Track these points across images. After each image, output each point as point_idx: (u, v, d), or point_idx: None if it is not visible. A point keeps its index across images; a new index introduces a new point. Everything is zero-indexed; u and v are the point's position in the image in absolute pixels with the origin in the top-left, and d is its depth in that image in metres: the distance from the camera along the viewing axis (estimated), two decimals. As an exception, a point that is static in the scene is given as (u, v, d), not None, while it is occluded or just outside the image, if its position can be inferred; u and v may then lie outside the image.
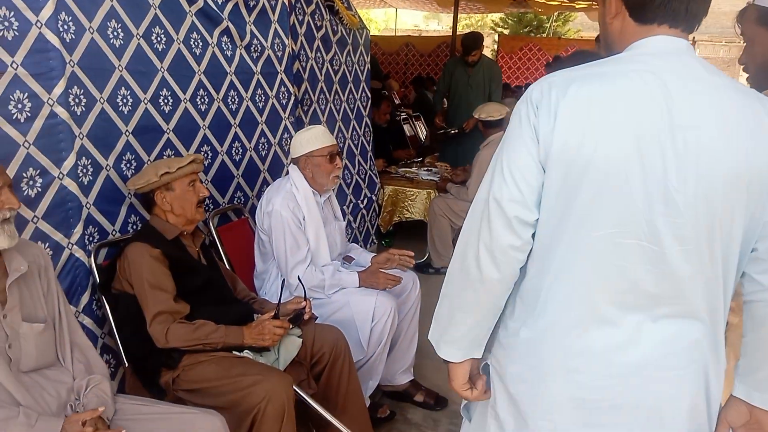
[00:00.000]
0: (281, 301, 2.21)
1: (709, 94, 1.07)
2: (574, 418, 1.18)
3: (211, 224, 2.73)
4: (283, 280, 2.42)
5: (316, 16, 3.69)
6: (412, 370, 2.89)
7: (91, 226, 2.19)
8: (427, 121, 8.64)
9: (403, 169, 5.27)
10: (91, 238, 2.20)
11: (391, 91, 9.01)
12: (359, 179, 4.45)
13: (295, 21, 3.45)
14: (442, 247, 4.58)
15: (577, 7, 12.44)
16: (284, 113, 3.36)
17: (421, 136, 8.25)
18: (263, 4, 3.08)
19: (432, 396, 2.86)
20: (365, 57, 4.45)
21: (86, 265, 2.15)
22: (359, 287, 2.62)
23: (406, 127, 7.59)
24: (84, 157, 2.14)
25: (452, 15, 11.00)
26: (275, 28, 3.21)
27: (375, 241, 4.79)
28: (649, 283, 1.11)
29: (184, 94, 2.63)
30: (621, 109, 1.06)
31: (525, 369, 1.22)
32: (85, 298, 2.14)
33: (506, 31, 19.57)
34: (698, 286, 1.11)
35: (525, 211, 1.13)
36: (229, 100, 2.92)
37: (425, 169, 5.42)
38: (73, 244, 2.10)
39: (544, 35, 18.65)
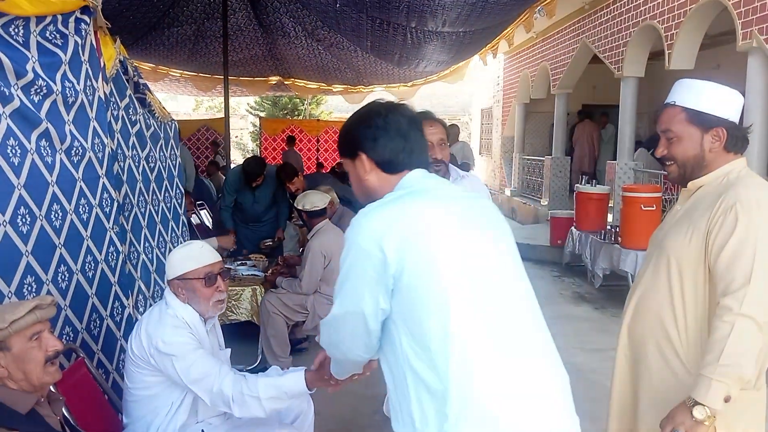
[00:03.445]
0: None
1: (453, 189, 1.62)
2: None
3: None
4: None
5: (130, 111, 3.25)
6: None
7: None
8: (211, 209, 8.26)
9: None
10: None
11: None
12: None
13: (111, 117, 2.99)
14: (278, 347, 4.26)
15: (334, 90, 13.24)
16: (108, 223, 2.84)
17: (208, 224, 7.82)
18: (82, 99, 2.61)
19: None
20: (176, 150, 4.05)
21: None
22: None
23: (192, 217, 7.16)
24: None
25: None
26: (94, 126, 2.73)
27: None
28: None
29: (3, 215, 2.06)
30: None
31: None
32: None
33: (262, 114, 19.89)
34: None
35: None
36: (52, 216, 2.36)
37: (239, 263, 5.06)
38: None
39: (300, 117, 19.39)
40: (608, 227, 6.88)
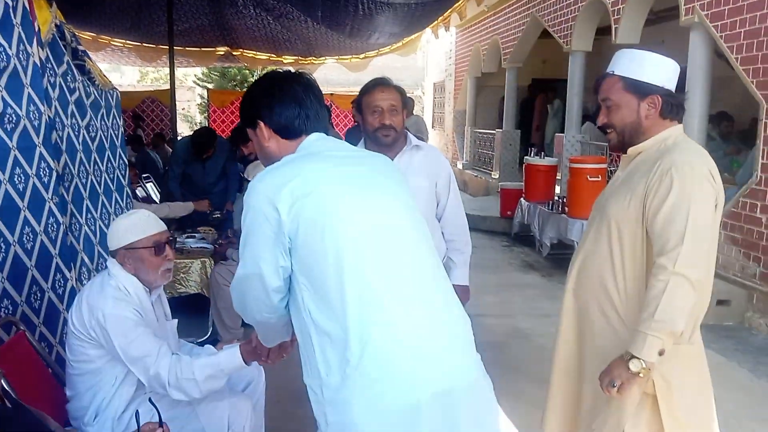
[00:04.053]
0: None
1: (349, 150, 1.69)
2: None
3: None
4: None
5: (68, 78, 3.12)
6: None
7: None
8: (158, 182, 8.04)
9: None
10: None
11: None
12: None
13: (48, 84, 2.86)
14: (229, 319, 4.22)
15: (285, 62, 12.99)
16: (47, 193, 2.74)
17: (154, 197, 7.63)
18: (14, 65, 2.49)
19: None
20: (118, 120, 3.92)
21: None
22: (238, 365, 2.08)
23: (138, 190, 6.97)
24: None
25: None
26: (29, 93, 2.62)
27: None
28: None
29: (-69, 184, 1.96)
30: None
31: None
32: None
33: (210, 85, 19.38)
34: None
35: None
36: (-15, 186, 2.27)
37: (187, 236, 4.97)
38: None
39: (250, 89, 18.94)
40: (556, 198, 7.05)
